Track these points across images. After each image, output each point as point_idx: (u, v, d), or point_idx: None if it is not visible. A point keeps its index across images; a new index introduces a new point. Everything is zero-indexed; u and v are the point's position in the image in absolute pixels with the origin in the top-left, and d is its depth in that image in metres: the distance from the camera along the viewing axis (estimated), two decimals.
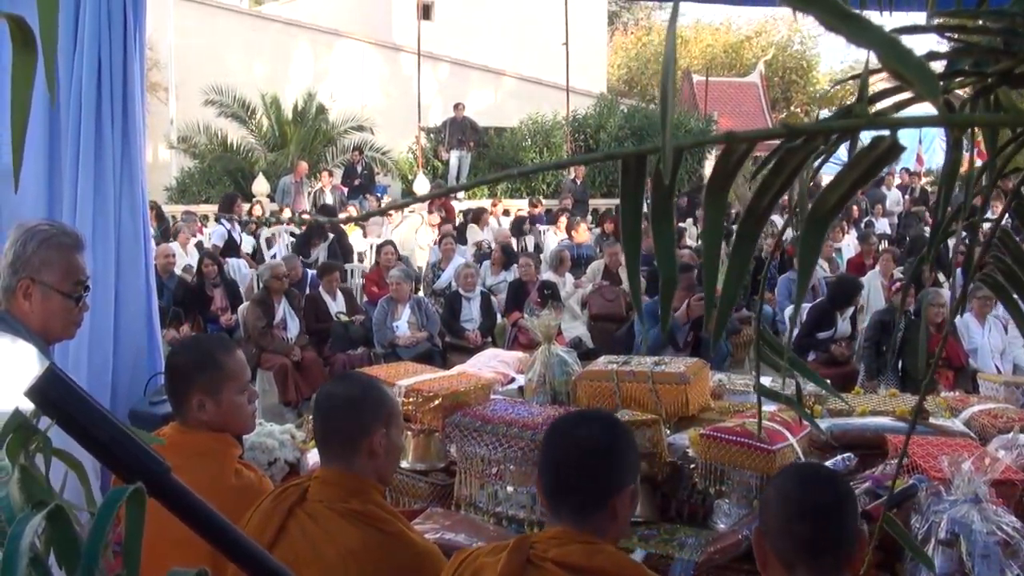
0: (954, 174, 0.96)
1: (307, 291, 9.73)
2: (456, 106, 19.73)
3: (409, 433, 3.78)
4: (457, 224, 15.14)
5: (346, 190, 17.03)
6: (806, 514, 1.93)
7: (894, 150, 0.78)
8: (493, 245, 13.05)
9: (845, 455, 3.07)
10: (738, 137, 0.82)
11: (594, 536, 1.97)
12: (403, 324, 9.09)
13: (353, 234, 13.84)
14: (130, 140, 3.56)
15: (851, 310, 8.55)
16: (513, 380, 4.74)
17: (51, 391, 0.78)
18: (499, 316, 10.26)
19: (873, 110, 1.07)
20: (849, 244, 13.58)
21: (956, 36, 1.08)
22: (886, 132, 0.82)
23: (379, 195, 17.71)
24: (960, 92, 1.14)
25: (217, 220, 12.68)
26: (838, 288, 8.76)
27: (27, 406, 0.76)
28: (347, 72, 21.88)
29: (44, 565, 0.54)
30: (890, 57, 0.66)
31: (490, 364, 4.95)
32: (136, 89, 3.47)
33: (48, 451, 0.62)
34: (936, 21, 1.15)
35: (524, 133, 21.00)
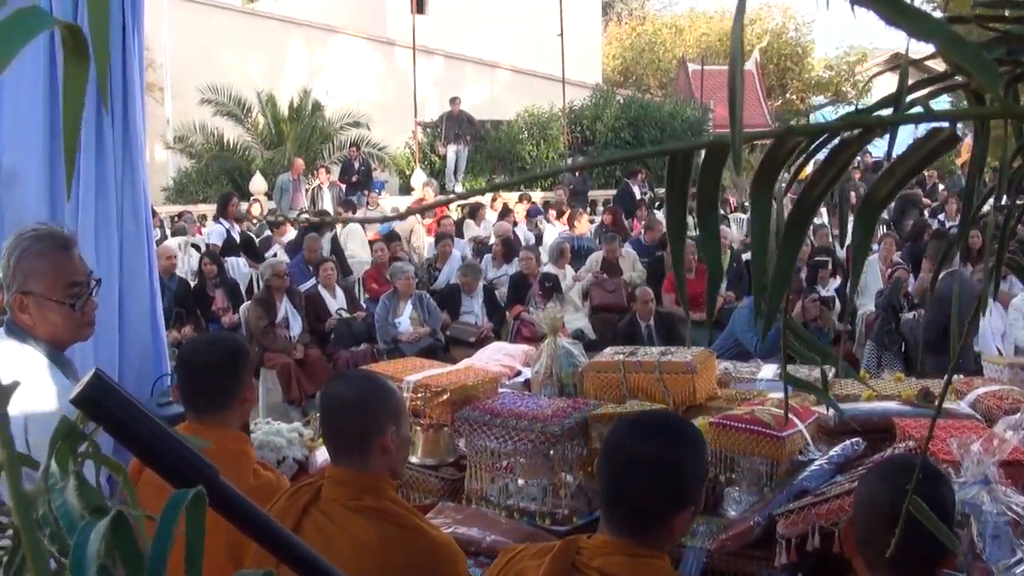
0: (982, 161, 0.96)
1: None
2: (452, 100, 19.70)
3: (418, 428, 3.79)
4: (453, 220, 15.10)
5: (344, 187, 17.01)
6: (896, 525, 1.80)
7: (950, 141, 0.78)
8: (493, 239, 13.04)
9: (854, 440, 3.07)
10: (796, 131, 0.82)
11: (649, 548, 1.92)
12: (405, 320, 9.09)
13: (354, 231, 13.82)
14: (131, 141, 3.55)
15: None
16: (520, 373, 4.74)
17: (99, 397, 0.78)
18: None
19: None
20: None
21: (994, 26, 1.07)
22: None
23: (377, 191, 17.69)
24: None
25: (215, 219, 12.68)
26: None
27: (70, 411, 0.76)
28: (342, 68, 21.86)
29: (111, 573, 0.55)
30: (950, 48, 0.67)
31: (496, 358, 4.96)
32: (136, 90, 3.47)
33: (98, 457, 0.62)
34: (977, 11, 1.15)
35: (521, 126, 20.96)
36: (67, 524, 0.59)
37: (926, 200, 17.09)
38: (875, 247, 10.38)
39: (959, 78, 0.91)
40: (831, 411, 3.39)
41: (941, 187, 18.86)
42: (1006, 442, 2.44)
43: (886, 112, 0.88)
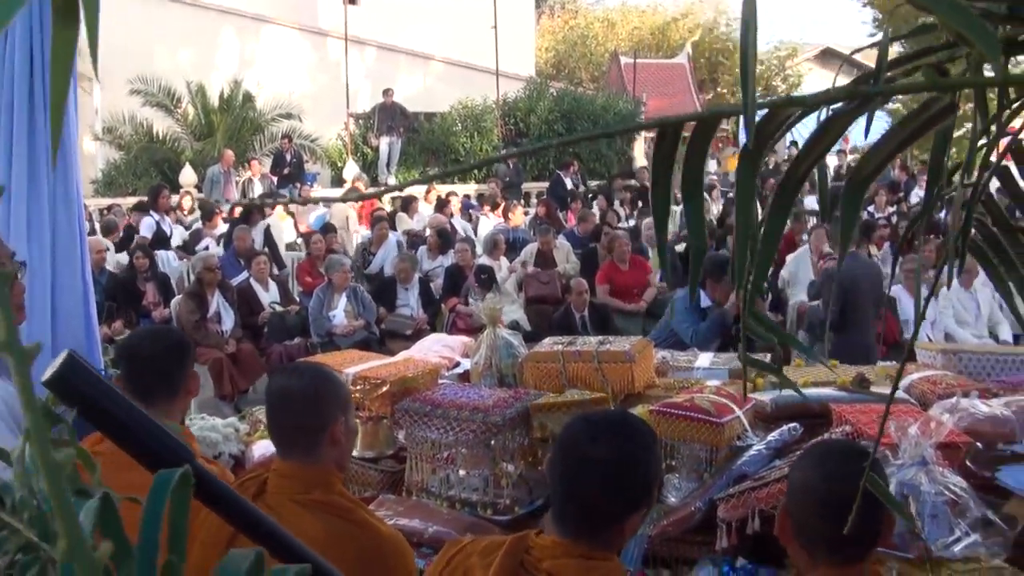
0: (948, 140, 0.98)
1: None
2: (386, 92, 19.56)
3: (357, 421, 3.76)
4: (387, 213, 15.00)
5: (275, 179, 16.80)
6: (830, 511, 1.77)
7: (949, 110, 0.79)
8: (428, 231, 13.00)
9: (790, 425, 3.14)
10: (799, 101, 0.82)
11: (600, 551, 1.89)
12: (340, 313, 9.03)
13: (284, 223, 13.68)
14: (63, 130, 3.47)
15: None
16: (458, 364, 4.74)
17: (72, 379, 0.76)
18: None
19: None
20: None
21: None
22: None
23: (309, 183, 17.51)
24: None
25: (145, 212, 12.43)
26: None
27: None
28: (274, 59, 21.55)
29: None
30: (954, 19, 0.67)
31: (434, 349, 4.94)
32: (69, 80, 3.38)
33: (74, 440, 0.61)
34: None
35: (454, 118, 20.89)
36: (50, 506, 0.58)
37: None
38: (805, 237, 10.60)
39: (935, 58, 0.92)
40: (768, 397, 3.46)
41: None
42: (942, 425, 2.51)
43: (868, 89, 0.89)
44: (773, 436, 3.08)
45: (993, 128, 0.94)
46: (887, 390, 3.43)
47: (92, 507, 0.52)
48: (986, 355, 3.69)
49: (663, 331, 7.75)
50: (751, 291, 0.91)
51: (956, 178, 1.04)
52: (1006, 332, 6.65)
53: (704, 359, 4.31)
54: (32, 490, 0.60)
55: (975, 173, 0.94)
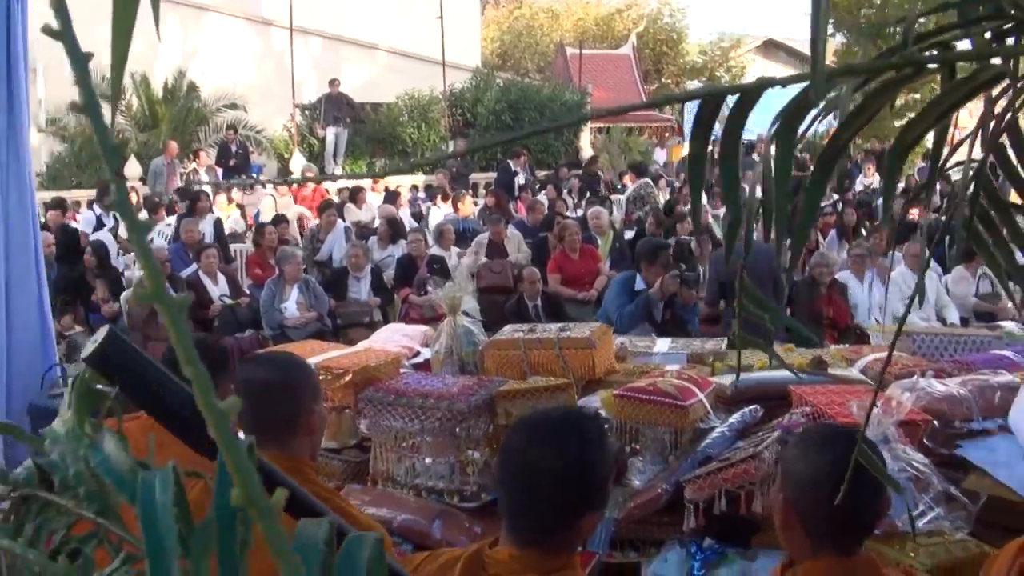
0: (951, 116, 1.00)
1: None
2: (331, 82, 19.40)
3: None
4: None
5: (221, 170, 16.58)
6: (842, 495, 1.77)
7: (998, 78, 0.80)
8: (377, 222, 12.94)
9: (752, 407, 3.20)
10: (858, 69, 0.84)
11: (557, 558, 1.79)
12: (292, 305, 8.95)
13: (231, 215, 13.54)
14: (16, 122, 3.41)
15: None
16: (418, 354, 4.75)
17: (112, 354, 0.77)
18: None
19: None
20: (724, 211, 13.96)
21: None
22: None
23: (255, 175, 17.33)
24: None
25: (89, 206, 12.23)
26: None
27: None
28: (217, 48, 21.23)
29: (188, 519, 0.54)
30: None
31: (394, 339, 4.95)
32: (21, 68, 3.33)
33: (120, 415, 0.61)
34: None
35: (401, 108, 20.80)
36: (116, 479, 0.59)
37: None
38: (757, 225, 10.73)
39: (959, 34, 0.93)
40: (728, 380, 3.52)
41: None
42: (903, 404, 2.58)
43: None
44: (735, 418, 3.14)
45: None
46: (846, 371, 3.53)
47: (168, 477, 0.53)
48: (939, 336, 3.79)
49: (602, 317, 7.88)
50: (792, 258, 0.93)
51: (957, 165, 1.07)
52: (953, 315, 6.83)
53: (663, 344, 4.37)
54: (88, 463, 0.60)
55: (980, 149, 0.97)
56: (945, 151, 0.94)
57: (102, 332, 0.84)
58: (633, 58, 28.17)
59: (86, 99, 0.40)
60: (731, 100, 0.98)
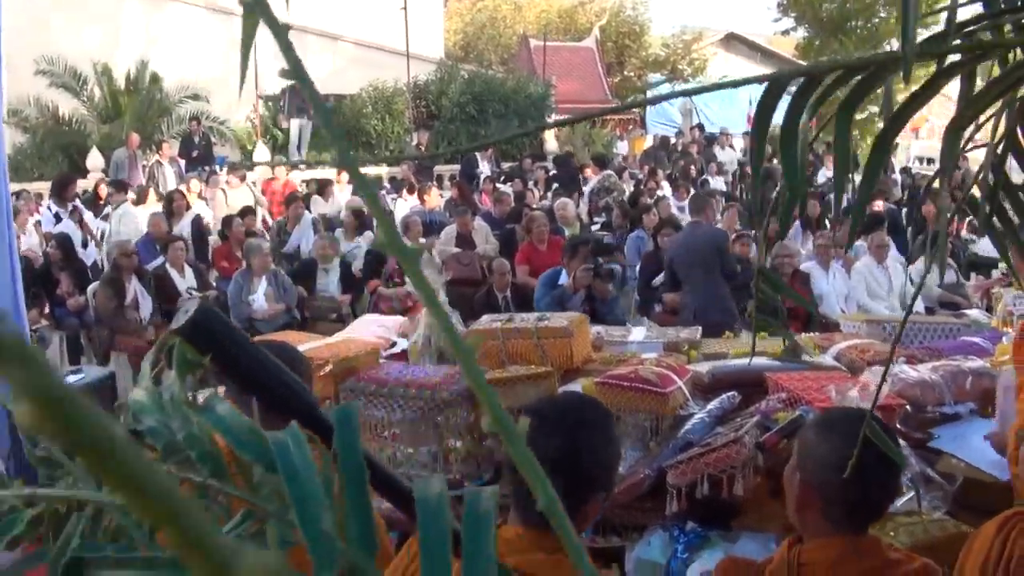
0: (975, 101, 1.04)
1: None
2: None
3: None
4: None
5: (184, 162, 16.42)
6: (862, 479, 1.79)
7: None
8: (343, 213, 12.90)
9: (730, 393, 3.26)
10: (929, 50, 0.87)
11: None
12: (260, 297, 8.92)
13: (195, 207, 13.41)
14: None
15: None
16: (395, 344, 4.78)
17: (206, 326, 0.79)
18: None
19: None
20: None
21: None
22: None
23: (219, 166, 17.17)
24: None
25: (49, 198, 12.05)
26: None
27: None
28: (180, 38, 20.98)
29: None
30: None
31: (371, 329, 4.97)
32: None
33: (212, 382, 0.65)
34: None
35: (365, 100, 20.74)
36: (236, 441, 0.62)
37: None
38: (719, 216, 10.91)
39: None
40: (704, 368, 3.59)
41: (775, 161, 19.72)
42: (890, 385, 2.65)
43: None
44: (714, 404, 3.20)
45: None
46: (819, 358, 3.61)
47: (297, 434, 0.56)
48: (909, 324, 3.88)
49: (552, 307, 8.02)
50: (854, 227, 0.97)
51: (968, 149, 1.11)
52: (918, 305, 6.93)
53: (638, 333, 4.43)
54: (198, 427, 0.64)
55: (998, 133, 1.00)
56: (969, 131, 0.98)
57: (194, 304, 0.87)
58: (597, 51, 28.26)
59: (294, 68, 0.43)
60: (735, 93, 1.01)
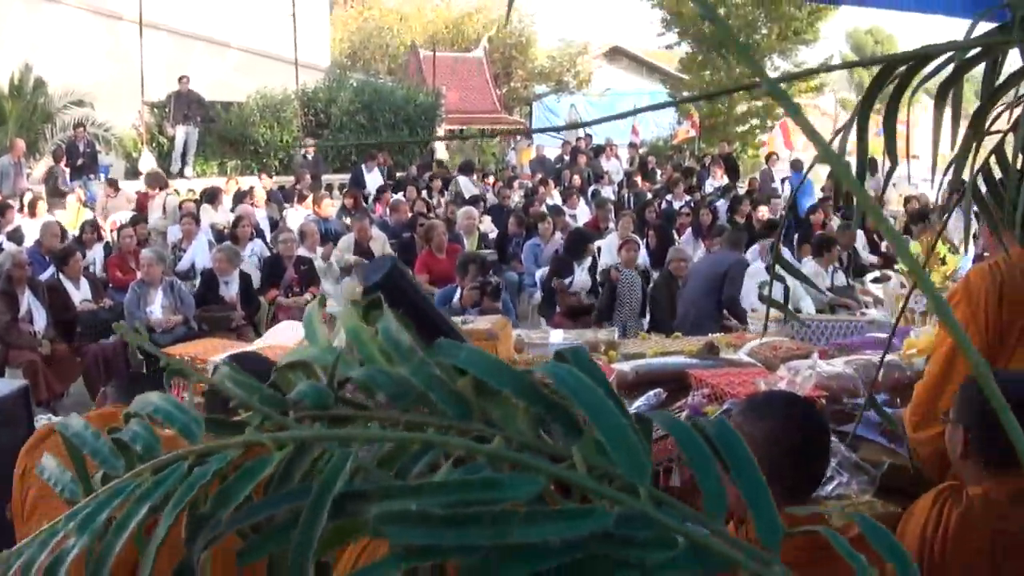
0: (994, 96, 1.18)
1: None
2: (181, 79, 18.86)
3: None
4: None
5: (68, 170, 15.91)
6: (803, 456, 2.04)
7: None
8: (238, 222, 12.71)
9: (655, 391, 3.44)
10: None
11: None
12: (157, 308, 8.76)
13: (82, 216, 13.07)
14: None
15: (588, 261, 9.73)
16: None
17: (397, 283, 0.90)
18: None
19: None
20: (581, 211, 14.44)
21: None
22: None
23: (104, 175, 16.71)
24: None
25: None
26: (572, 239, 10.19)
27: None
28: (64, 42, 20.23)
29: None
30: None
31: (289, 335, 4.99)
32: None
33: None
34: None
35: (253, 108, 20.45)
36: (488, 374, 0.73)
37: (646, 183, 18.34)
38: (612, 225, 11.27)
39: None
40: (628, 367, 3.77)
41: (660, 172, 20.22)
42: (808, 379, 2.86)
43: None
44: (641, 402, 3.37)
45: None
46: (735, 356, 3.83)
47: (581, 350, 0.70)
48: (816, 321, 4.15)
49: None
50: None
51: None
52: (809, 307, 7.31)
53: (556, 336, 4.60)
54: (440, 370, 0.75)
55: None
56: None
57: (386, 261, 0.97)
58: (485, 61, 28.52)
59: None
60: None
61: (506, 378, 0.77)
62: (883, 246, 11.09)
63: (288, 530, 0.70)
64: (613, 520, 0.65)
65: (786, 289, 1.43)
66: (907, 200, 13.42)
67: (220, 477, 0.74)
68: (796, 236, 10.45)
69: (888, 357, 3.44)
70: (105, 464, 0.77)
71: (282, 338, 4.92)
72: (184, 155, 18.94)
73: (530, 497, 0.67)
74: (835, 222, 11.49)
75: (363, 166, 18.05)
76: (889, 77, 1.06)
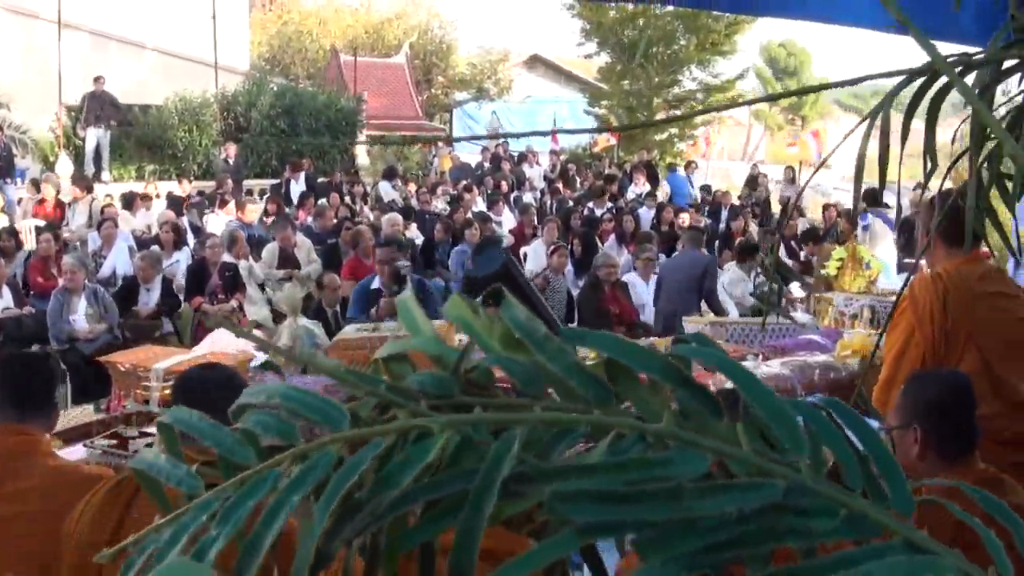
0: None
1: None
2: (96, 79, 18.40)
3: None
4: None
5: None
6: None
7: None
8: (156, 228, 12.57)
9: None
10: None
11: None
12: (81, 317, 8.63)
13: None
14: None
15: None
16: (254, 357, 4.86)
17: (511, 272, 1.00)
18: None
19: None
20: (507, 218, 14.61)
21: None
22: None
23: (20, 179, 16.26)
24: None
25: None
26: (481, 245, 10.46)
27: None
28: None
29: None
30: None
31: (227, 341, 5.01)
32: None
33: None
34: None
35: (171, 111, 20.11)
36: (634, 360, 0.80)
37: (567, 190, 18.59)
38: (540, 231, 11.44)
39: None
40: None
41: (580, 180, 20.50)
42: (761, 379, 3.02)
43: None
44: None
45: None
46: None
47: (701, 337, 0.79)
48: (748, 325, 4.35)
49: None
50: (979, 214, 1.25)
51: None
52: (733, 312, 7.56)
53: None
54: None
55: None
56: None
57: (500, 252, 1.06)
58: (407, 67, 28.54)
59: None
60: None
61: (648, 360, 0.81)
62: (802, 253, 11.44)
63: (450, 515, 0.74)
64: (783, 491, 0.71)
65: (780, 289, 1.55)
66: (825, 207, 13.89)
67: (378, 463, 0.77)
68: (717, 243, 10.75)
69: (823, 358, 3.65)
70: (233, 454, 0.82)
71: (221, 345, 4.95)
72: (98, 159, 18.52)
73: (698, 474, 0.72)
74: (754, 230, 11.85)
75: (290, 178, 17.78)
76: (907, 87, 1.18)
